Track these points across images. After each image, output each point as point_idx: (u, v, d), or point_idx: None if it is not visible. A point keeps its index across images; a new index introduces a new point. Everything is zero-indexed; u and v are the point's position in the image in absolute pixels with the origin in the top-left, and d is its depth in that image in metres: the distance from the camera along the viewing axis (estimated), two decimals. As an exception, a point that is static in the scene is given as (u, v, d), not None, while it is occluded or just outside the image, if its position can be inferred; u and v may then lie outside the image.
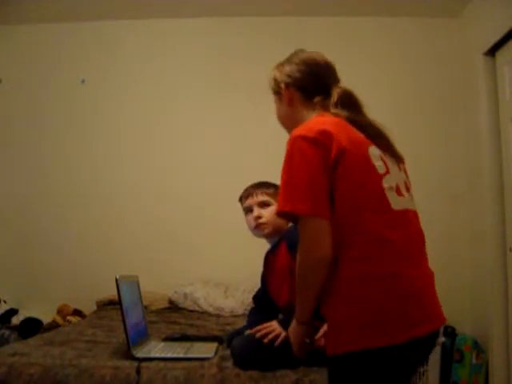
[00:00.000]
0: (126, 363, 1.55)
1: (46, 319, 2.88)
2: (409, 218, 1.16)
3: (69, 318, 2.86)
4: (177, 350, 1.68)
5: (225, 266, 3.02)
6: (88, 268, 3.09)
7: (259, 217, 1.77)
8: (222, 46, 3.29)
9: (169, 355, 1.62)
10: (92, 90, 3.28)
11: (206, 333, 2.19)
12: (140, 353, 1.62)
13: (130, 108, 3.29)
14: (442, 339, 2.65)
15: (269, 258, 1.83)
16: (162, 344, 1.80)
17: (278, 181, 1.70)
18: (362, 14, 3.20)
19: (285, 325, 1.51)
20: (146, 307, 2.46)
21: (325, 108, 1.24)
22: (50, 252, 3.16)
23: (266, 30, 3.24)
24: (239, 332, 1.77)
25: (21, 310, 2.97)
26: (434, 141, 3.16)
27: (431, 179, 3.00)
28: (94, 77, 3.29)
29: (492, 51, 2.75)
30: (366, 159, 1.12)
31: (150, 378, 1.48)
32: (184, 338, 1.89)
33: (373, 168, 1.12)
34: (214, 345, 1.76)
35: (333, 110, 1.21)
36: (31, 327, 2.77)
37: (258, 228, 1.78)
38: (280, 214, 1.14)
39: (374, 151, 1.14)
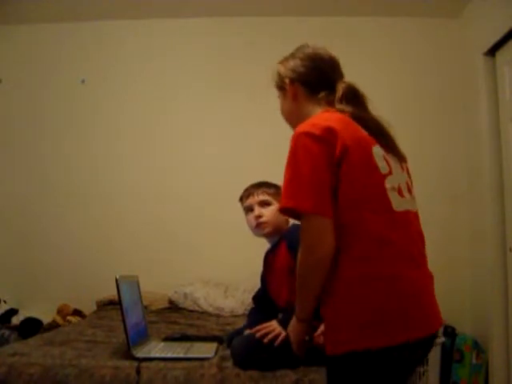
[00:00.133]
0: (126, 363, 1.55)
1: (46, 319, 2.87)
2: (409, 219, 1.16)
3: (69, 318, 2.86)
4: (177, 350, 1.68)
5: (225, 266, 3.01)
6: (88, 268, 3.09)
7: (260, 216, 1.77)
8: (222, 45, 3.29)
9: (169, 355, 1.62)
10: (92, 90, 3.28)
11: (205, 333, 2.19)
12: (140, 353, 1.62)
13: (129, 108, 3.29)
14: (441, 339, 2.65)
15: (269, 258, 1.83)
16: (162, 344, 1.80)
17: (278, 181, 1.71)
18: (362, 14, 3.20)
19: (284, 324, 1.51)
20: (146, 307, 2.46)
21: (329, 103, 1.23)
22: (50, 252, 3.16)
23: (266, 30, 3.24)
24: (239, 332, 1.77)
25: (21, 310, 2.97)
26: (434, 141, 3.16)
27: (431, 179, 3.00)
28: (93, 77, 3.29)
29: (492, 51, 2.75)
30: (370, 159, 1.11)
31: (149, 378, 1.48)
32: (184, 337, 1.89)
33: (376, 168, 1.12)
34: (214, 345, 1.76)
35: (338, 106, 1.20)
36: (31, 327, 2.77)
37: (258, 227, 1.78)
38: (283, 210, 1.13)
39: (377, 151, 1.14)
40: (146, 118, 3.28)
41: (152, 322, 2.36)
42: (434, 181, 3.04)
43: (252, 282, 2.21)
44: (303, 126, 1.12)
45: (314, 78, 1.26)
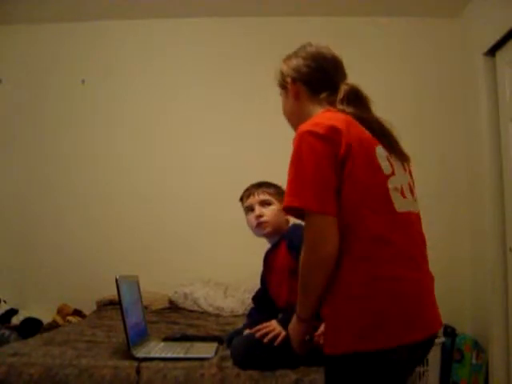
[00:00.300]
0: (126, 363, 1.55)
1: (46, 319, 2.87)
2: (411, 221, 1.16)
3: (69, 318, 2.86)
4: (177, 350, 1.68)
5: (225, 266, 3.01)
6: (88, 268, 3.09)
7: (260, 215, 1.77)
8: (222, 45, 3.29)
9: (169, 355, 1.62)
10: (92, 90, 3.28)
11: (205, 333, 2.19)
12: (140, 353, 1.62)
13: (129, 108, 3.29)
14: (441, 339, 2.65)
15: (269, 258, 1.83)
16: (162, 344, 1.80)
17: (278, 180, 1.72)
18: (362, 14, 3.20)
19: (284, 324, 1.51)
20: (146, 307, 2.45)
21: (331, 103, 1.22)
22: (50, 252, 3.16)
23: (266, 30, 3.24)
24: (239, 332, 1.77)
25: (21, 310, 2.97)
26: (434, 141, 3.16)
27: (431, 179, 2.99)
28: (93, 77, 3.29)
29: (492, 51, 2.75)
30: (373, 159, 1.11)
31: (149, 378, 1.48)
32: (184, 337, 1.89)
33: (379, 168, 1.11)
34: (214, 345, 1.76)
35: (339, 106, 1.20)
36: (31, 327, 2.77)
37: (259, 227, 1.78)
38: (287, 209, 1.12)
39: (380, 151, 1.13)
40: (146, 118, 3.28)
41: (152, 322, 2.35)
42: (434, 181, 3.04)
43: (252, 282, 2.21)
44: (307, 125, 1.12)
45: (317, 78, 1.26)
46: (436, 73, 3.22)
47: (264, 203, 1.79)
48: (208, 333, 2.18)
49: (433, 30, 3.24)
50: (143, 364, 1.53)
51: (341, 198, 1.08)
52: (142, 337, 1.81)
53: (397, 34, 3.27)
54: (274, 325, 1.55)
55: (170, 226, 3.17)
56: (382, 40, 3.25)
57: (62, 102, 3.29)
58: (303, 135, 1.10)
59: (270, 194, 1.79)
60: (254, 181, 1.88)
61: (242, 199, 1.87)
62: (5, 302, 3.00)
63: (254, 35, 3.26)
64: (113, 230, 3.18)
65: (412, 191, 1.21)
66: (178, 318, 2.57)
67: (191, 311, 2.78)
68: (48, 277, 3.13)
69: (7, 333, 2.67)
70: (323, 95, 1.25)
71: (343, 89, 1.22)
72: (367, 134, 1.14)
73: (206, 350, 1.69)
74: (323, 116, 1.16)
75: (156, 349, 1.71)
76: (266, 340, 1.51)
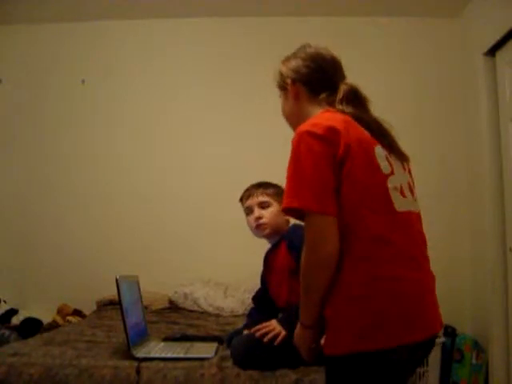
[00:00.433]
0: (126, 363, 1.55)
1: (46, 319, 2.87)
2: (411, 220, 1.15)
3: (69, 318, 2.86)
4: (177, 350, 1.68)
5: (225, 266, 3.01)
6: (88, 268, 3.09)
7: (260, 217, 1.77)
8: (222, 45, 3.29)
9: (169, 355, 1.62)
10: (92, 90, 3.28)
11: (205, 333, 2.19)
12: (140, 353, 1.62)
13: (129, 108, 3.29)
14: (442, 339, 2.65)
15: (269, 258, 1.83)
16: (162, 344, 1.80)
17: (278, 180, 1.72)
18: (362, 14, 3.20)
19: (284, 324, 1.52)
20: (146, 307, 2.45)
21: (330, 104, 1.23)
22: (50, 252, 3.16)
23: (266, 30, 3.24)
24: (239, 332, 1.77)
25: (21, 310, 2.97)
26: (434, 141, 3.16)
27: (431, 179, 2.99)
28: (93, 77, 3.29)
29: (492, 51, 2.75)
30: (372, 159, 1.11)
31: (149, 378, 1.48)
32: (184, 337, 1.89)
33: (378, 168, 1.11)
34: (214, 345, 1.76)
35: (338, 107, 1.20)
36: (31, 327, 2.77)
37: (258, 228, 1.79)
38: (286, 210, 1.12)
39: (379, 151, 1.13)
40: (146, 118, 3.28)
41: (152, 322, 2.35)
42: (434, 181, 3.04)
43: (252, 282, 2.21)
44: (305, 126, 1.12)
45: (316, 79, 1.26)
46: (436, 73, 3.22)
47: (263, 205, 1.79)
48: (208, 333, 2.18)
49: (433, 29, 3.24)
50: (143, 364, 1.53)
51: (340, 198, 1.07)
52: (142, 337, 1.81)
53: (397, 34, 3.27)
54: (273, 324, 1.55)
55: (170, 226, 3.17)
56: (382, 40, 3.25)
57: (62, 101, 3.29)
58: (302, 135, 1.10)
59: (268, 195, 1.79)
60: (254, 181, 1.88)
61: (241, 200, 1.87)
62: (5, 301, 3.00)
63: (254, 35, 3.26)
64: (113, 230, 3.18)
65: (412, 191, 1.21)
66: (178, 318, 2.57)
67: (191, 311, 2.78)
68: (48, 277, 3.13)
69: (7, 333, 2.67)
70: (323, 96, 1.25)
71: (342, 88, 1.23)
72: (366, 133, 1.14)
73: (206, 349, 1.69)
74: (322, 116, 1.16)
75: (156, 349, 1.71)
76: (265, 340, 1.51)
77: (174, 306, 2.84)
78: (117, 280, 1.66)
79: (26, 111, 3.29)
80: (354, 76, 1.32)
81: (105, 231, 3.18)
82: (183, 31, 3.32)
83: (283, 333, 1.49)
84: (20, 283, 3.16)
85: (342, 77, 1.28)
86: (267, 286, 1.86)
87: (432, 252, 1.23)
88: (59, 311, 2.95)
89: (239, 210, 1.90)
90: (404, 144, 1.24)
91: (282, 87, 1.32)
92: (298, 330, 1.19)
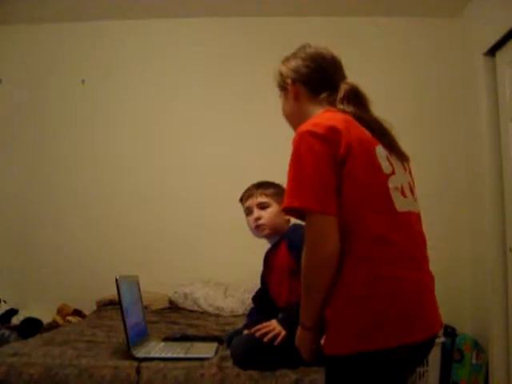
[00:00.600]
0: (126, 363, 1.55)
1: (46, 319, 2.87)
2: (411, 220, 1.15)
3: (69, 318, 2.86)
4: (177, 350, 1.68)
5: (225, 266, 3.01)
6: (88, 268, 3.09)
7: (259, 218, 1.77)
8: (222, 45, 3.29)
9: (169, 355, 1.62)
10: (92, 90, 3.28)
11: (205, 333, 2.19)
12: (140, 353, 1.62)
13: (129, 108, 3.29)
14: (442, 339, 2.65)
15: (269, 258, 1.84)
16: (162, 344, 1.80)
17: (278, 180, 1.72)
18: (362, 14, 3.20)
19: (284, 324, 1.52)
20: (146, 307, 2.46)
21: (331, 103, 1.23)
22: (50, 252, 3.16)
23: (266, 30, 3.24)
24: (239, 332, 1.77)
25: (21, 310, 2.97)
26: (434, 141, 3.16)
27: (431, 179, 2.99)
28: (93, 77, 3.29)
29: (492, 51, 2.75)
30: (373, 159, 1.11)
31: (149, 378, 1.48)
32: (184, 337, 1.89)
33: (379, 168, 1.11)
34: (214, 345, 1.76)
35: (339, 106, 1.20)
36: (31, 327, 2.77)
37: (257, 229, 1.80)
38: (287, 209, 1.12)
39: (380, 151, 1.13)
40: (146, 118, 3.28)
41: (152, 322, 2.35)
42: (434, 181, 3.04)
43: (252, 282, 2.21)
44: (306, 125, 1.12)
45: (316, 79, 1.26)
46: (436, 73, 3.22)
47: (262, 205, 1.79)
48: (208, 333, 2.18)
49: (433, 30, 3.24)
50: (143, 364, 1.53)
51: (341, 198, 1.07)
52: (142, 337, 1.81)
53: (397, 34, 3.27)
54: (273, 324, 1.55)
55: (170, 226, 3.17)
56: (382, 40, 3.25)
57: (62, 101, 3.29)
58: (302, 135, 1.10)
59: (268, 195, 1.80)
60: (254, 181, 1.89)
61: (241, 200, 1.88)
62: (5, 301, 3.00)
63: (254, 35, 3.26)
64: (113, 230, 3.18)
65: (412, 191, 1.21)
66: (178, 318, 2.57)
67: (191, 311, 2.78)
68: (48, 277, 3.13)
69: (7, 333, 2.67)
70: (323, 95, 1.25)
71: (343, 88, 1.22)
72: (367, 133, 1.14)
73: (206, 349, 1.69)
74: (323, 116, 1.16)
75: (156, 349, 1.71)
76: (265, 339, 1.51)
77: (174, 306, 2.84)
78: (117, 280, 1.66)
79: (26, 111, 3.29)
80: (354, 76, 1.32)
81: (105, 231, 3.18)
82: (183, 31, 3.32)
83: (283, 333, 1.49)
84: (20, 283, 3.16)
85: (343, 76, 1.28)
86: (267, 286, 1.86)
87: (432, 252, 1.23)
88: (59, 311, 2.95)
89: (239, 210, 1.90)
90: (404, 144, 1.24)
91: (282, 87, 1.32)
92: (298, 333, 1.19)
